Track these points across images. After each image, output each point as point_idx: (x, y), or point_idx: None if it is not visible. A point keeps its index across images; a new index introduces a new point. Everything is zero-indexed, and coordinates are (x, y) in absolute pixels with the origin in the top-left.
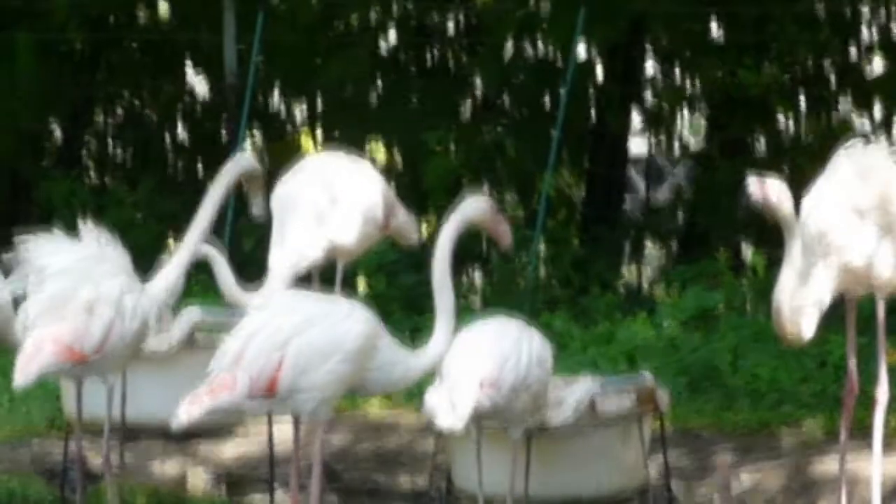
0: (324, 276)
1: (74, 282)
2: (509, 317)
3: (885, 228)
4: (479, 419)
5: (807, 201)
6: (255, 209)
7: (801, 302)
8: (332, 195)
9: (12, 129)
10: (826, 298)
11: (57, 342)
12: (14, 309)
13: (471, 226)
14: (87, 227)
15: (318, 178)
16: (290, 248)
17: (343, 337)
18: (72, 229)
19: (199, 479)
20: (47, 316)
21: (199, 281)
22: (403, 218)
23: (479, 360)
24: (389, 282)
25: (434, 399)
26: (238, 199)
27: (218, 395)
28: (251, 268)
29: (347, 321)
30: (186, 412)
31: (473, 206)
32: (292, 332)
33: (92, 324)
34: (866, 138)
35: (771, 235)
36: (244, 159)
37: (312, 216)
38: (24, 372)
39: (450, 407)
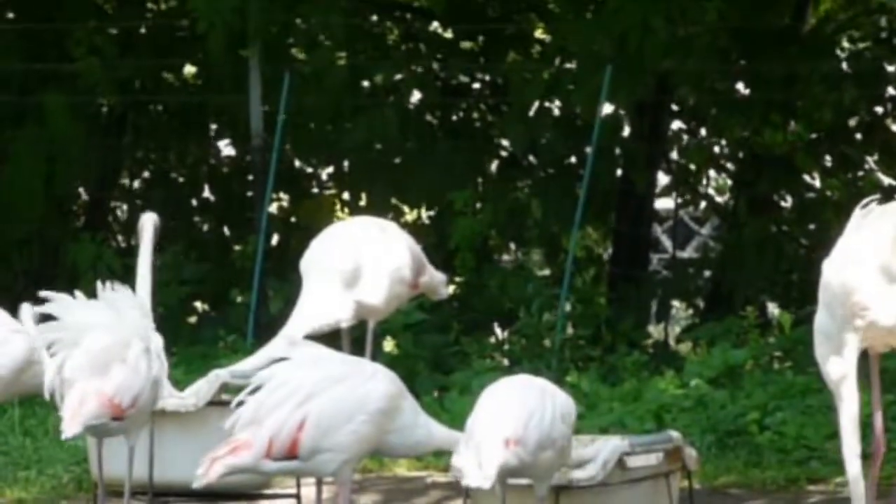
0: (354, 336)
1: (116, 337)
2: (535, 376)
3: None
4: (507, 476)
5: (829, 262)
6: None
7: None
8: (359, 258)
9: (47, 194)
10: (854, 360)
11: (101, 395)
12: None
13: None
14: (107, 288)
15: (344, 242)
16: (311, 309)
17: (367, 397)
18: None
19: None
20: (89, 370)
21: (227, 342)
22: (432, 275)
23: (503, 419)
24: (416, 341)
25: (460, 458)
26: (265, 259)
27: (239, 454)
28: (278, 329)
29: (371, 381)
30: (207, 471)
31: None
32: (314, 390)
33: (131, 378)
34: (885, 195)
35: (797, 293)
36: (153, 216)
37: (338, 279)
38: (71, 425)
39: (476, 466)
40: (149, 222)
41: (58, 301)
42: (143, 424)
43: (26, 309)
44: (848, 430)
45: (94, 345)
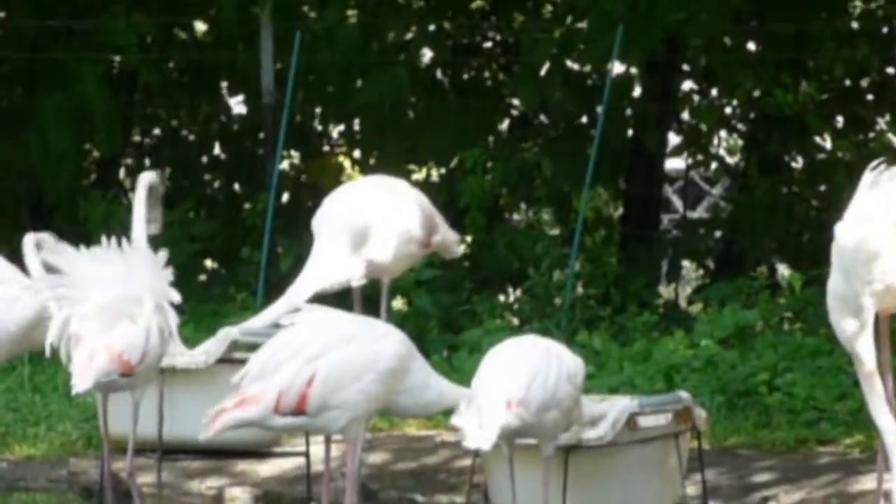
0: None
1: (126, 292)
2: (544, 335)
3: None
4: (511, 437)
5: (842, 225)
6: (152, 227)
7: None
8: (369, 217)
9: (78, 154)
10: (870, 322)
11: (110, 351)
12: None
13: None
14: (114, 244)
15: (355, 201)
16: (321, 268)
17: (377, 356)
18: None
19: (236, 498)
20: (97, 324)
21: (236, 300)
22: (445, 234)
23: (506, 380)
24: (427, 300)
25: (462, 419)
26: (275, 217)
27: (247, 408)
28: (287, 287)
29: (382, 341)
30: (213, 423)
31: None
32: (324, 348)
33: (141, 335)
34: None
35: (807, 254)
36: (149, 175)
37: (348, 238)
38: (82, 380)
39: (477, 427)
40: (141, 181)
41: (65, 254)
42: (149, 381)
43: (28, 239)
44: (871, 392)
45: (102, 299)
